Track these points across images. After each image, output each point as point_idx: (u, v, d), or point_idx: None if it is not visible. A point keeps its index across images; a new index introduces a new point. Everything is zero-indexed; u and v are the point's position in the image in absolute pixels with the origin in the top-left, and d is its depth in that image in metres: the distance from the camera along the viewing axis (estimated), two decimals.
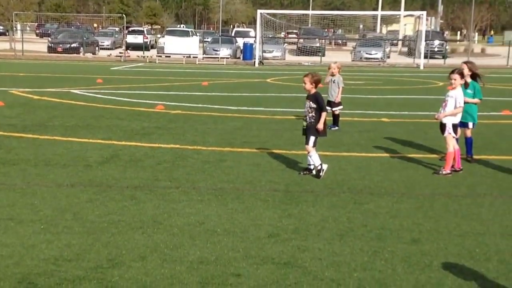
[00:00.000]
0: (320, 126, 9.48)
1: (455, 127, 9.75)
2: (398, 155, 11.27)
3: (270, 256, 6.08)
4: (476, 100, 10.53)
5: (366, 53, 46.93)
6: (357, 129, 14.40)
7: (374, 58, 46.26)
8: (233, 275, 5.57)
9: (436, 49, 48.52)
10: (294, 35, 63.99)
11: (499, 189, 8.81)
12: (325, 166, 9.48)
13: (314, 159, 9.46)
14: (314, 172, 9.53)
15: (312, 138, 9.51)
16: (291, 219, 7.36)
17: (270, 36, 50.48)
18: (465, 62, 10.80)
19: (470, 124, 10.56)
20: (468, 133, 10.60)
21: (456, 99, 9.59)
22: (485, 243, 6.50)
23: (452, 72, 9.78)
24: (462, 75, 9.80)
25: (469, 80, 10.51)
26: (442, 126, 9.76)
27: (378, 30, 71.56)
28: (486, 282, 5.48)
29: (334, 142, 12.38)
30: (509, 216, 7.49)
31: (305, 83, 9.50)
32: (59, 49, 47.47)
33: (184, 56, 41.86)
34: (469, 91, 10.39)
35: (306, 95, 9.66)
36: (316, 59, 44.65)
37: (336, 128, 14.29)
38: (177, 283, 5.39)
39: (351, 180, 9.36)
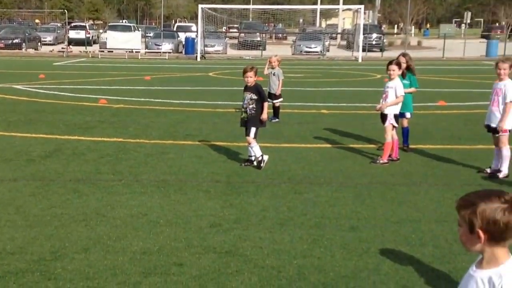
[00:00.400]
0: (265, 116, 9.63)
1: (396, 117, 10.02)
2: (337, 146, 11.50)
3: (212, 245, 6.15)
4: (412, 89, 10.85)
5: (306, 47, 47.40)
6: (297, 120, 14.60)
7: (313, 52, 46.77)
8: (175, 265, 5.62)
9: (374, 42, 49.40)
10: (236, 30, 64.04)
11: (434, 177, 9.13)
12: (266, 157, 9.60)
13: (255, 150, 9.56)
14: (255, 163, 9.64)
15: (253, 129, 9.61)
16: (232, 209, 7.44)
17: (212, 30, 50.38)
18: (402, 54, 11.12)
19: (407, 114, 10.87)
20: (405, 123, 10.91)
21: (396, 89, 9.86)
22: (421, 229, 6.73)
23: (390, 63, 10.05)
24: (399, 66, 10.08)
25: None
26: (384, 117, 10.01)
27: (317, 24, 72.34)
28: (422, 267, 5.69)
29: (274, 134, 12.53)
30: (443, 203, 7.77)
31: (250, 77, 9.59)
32: (1, 45, 46.23)
33: (126, 51, 41.50)
34: (405, 81, 10.69)
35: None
36: (257, 53, 44.82)
37: (277, 120, 14.46)
38: (120, 274, 5.41)
39: (291, 171, 9.51)
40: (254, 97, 9.57)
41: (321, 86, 23.19)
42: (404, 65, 10.53)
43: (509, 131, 8.97)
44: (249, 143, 9.63)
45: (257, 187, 8.54)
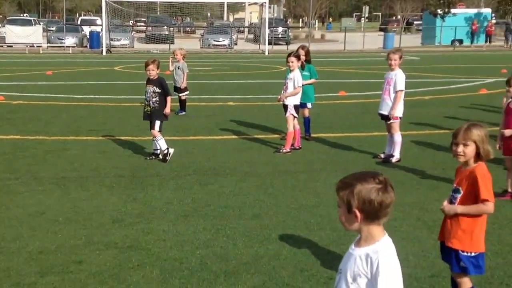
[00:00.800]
0: (168, 110, 9.60)
1: (296, 107, 10.25)
2: (242, 137, 11.64)
3: (113, 241, 6.10)
4: (312, 80, 11.13)
5: (214, 40, 47.44)
6: (204, 113, 14.64)
7: (221, 45, 46.88)
8: (74, 263, 5.53)
9: (280, 36, 50.12)
10: (143, 23, 63.09)
11: (333, 164, 9.42)
12: (171, 150, 9.58)
13: (161, 143, 9.52)
14: (160, 156, 9.60)
15: (157, 123, 9.56)
16: (136, 203, 7.39)
17: (118, 24, 49.38)
18: (301, 47, 11.37)
19: (309, 105, 11.13)
20: (306, 113, 11.18)
21: (294, 80, 10.08)
22: (319, 214, 6.95)
23: (289, 55, 10.26)
24: (298, 58, 10.32)
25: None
26: (285, 107, 10.22)
27: (225, 18, 72.47)
28: (319, 249, 5.89)
29: (181, 127, 12.52)
30: None
31: (152, 70, 9.52)
32: None
33: (27, 46, 39.98)
34: (305, 73, 10.95)
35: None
36: (165, 46, 44.38)
37: (183, 113, 14.44)
38: (15, 275, 5.26)
39: (197, 162, 9.55)
40: (157, 90, 9.52)
41: (228, 79, 23.32)
42: (303, 57, 10.79)
43: (400, 118, 9.39)
44: (154, 137, 9.58)
45: (161, 180, 8.52)
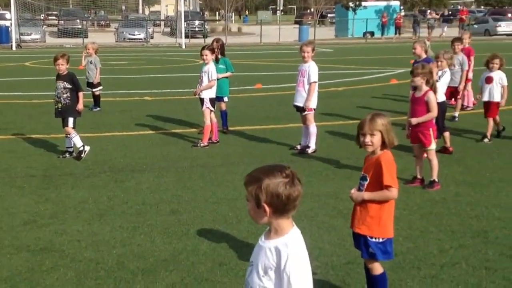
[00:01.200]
0: (81, 106, 9.36)
1: (212, 101, 10.23)
2: (160, 132, 11.52)
3: (25, 243, 5.90)
4: (228, 73, 11.13)
5: (129, 34, 46.62)
6: (120, 108, 14.38)
7: (137, 39, 46.16)
8: None
9: (196, 29, 49.82)
10: (54, 17, 61.13)
11: (250, 157, 9.47)
12: (87, 148, 9.36)
13: (76, 140, 9.28)
14: (74, 154, 9.36)
15: (71, 120, 9.31)
16: (48, 204, 7.18)
17: (28, 18, 47.63)
18: (216, 40, 11.36)
19: (225, 98, 11.13)
20: (223, 106, 11.18)
21: (208, 73, 10.05)
22: (237, 207, 6.97)
23: (203, 48, 10.24)
24: (212, 51, 10.29)
25: (220, 56, 11.06)
26: (202, 101, 10.17)
27: (140, 11, 71.41)
28: (238, 243, 5.91)
29: (95, 123, 12.25)
30: None
31: (62, 65, 9.25)
32: None
33: None
34: (221, 66, 10.94)
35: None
36: (78, 41, 43.17)
37: (98, 109, 14.13)
38: None
39: (113, 159, 9.37)
40: (68, 86, 9.27)
41: (145, 73, 22.98)
42: (217, 51, 10.78)
43: (314, 109, 9.55)
44: (69, 134, 9.32)
45: (75, 179, 8.31)
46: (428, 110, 7.49)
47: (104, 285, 5.03)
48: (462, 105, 12.87)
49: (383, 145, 4.36)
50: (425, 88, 7.49)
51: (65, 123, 9.34)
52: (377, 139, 4.33)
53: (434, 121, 7.72)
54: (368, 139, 4.34)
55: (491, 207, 6.86)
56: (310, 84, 9.34)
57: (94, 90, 14.20)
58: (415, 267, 5.26)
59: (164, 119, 12.79)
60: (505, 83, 9.94)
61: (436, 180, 7.61)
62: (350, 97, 15.89)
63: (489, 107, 10.07)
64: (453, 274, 5.10)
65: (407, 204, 6.96)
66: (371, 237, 4.35)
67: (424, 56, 10.68)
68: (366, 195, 4.35)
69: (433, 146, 7.63)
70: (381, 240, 4.35)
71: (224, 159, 9.37)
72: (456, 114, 12.18)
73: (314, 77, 9.32)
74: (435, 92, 7.58)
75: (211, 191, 7.66)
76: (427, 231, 6.13)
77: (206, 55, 10.07)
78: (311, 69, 9.31)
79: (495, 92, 9.94)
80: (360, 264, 4.94)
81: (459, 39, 12.28)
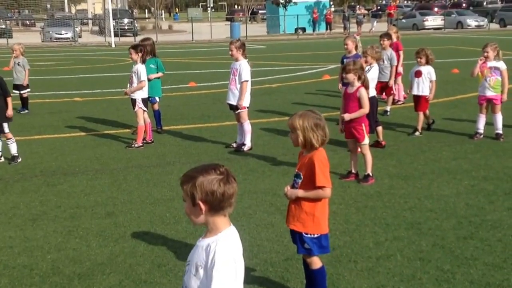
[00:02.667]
0: (10, 112, 9.10)
1: (145, 101, 10.10)
2: (92, 133, 11.28)
3: None
4: (159, 74, 11.00)
5: (56, 33, 45.47)
6: (49, 110, 14.01)
7: (64, 38, 45.06)
8: None
9: (126, 27, 49.08)
10: None
11: (186, 156, 9.41)
12: (20, 160, 9.25)
13: (13, 147, 9.16)
14: (2, 159, 9.11)
15: (5, 125, 9.13)
16: None
17: None
18: (145, 39, 11.23)
19: (156, 98, 11.00)
20: (156, 106, 11.05)
21: (138, 74, 9.92)
22: (174, 207, 6.91)
23: (132, 47, 10.12)
24: (136, 49, 10.07)
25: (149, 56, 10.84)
26: (133, 101, 10.03)
27: (66, 10, 69.75)
28: (176, 243, 5.85)
29: (24, 126, 11.91)
30: None
31: None
32: None
33: None
34: (151, 66, 10.81)
35: None
36: (2, 41, 41.77)
37: (26, 111, 13.73)
38: None
39: (44, 163, 9.13)
40: None
41: (74, 73, 22.44)
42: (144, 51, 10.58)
43: (247, 107, 9.57)
44: (8, 139, 9.14)
45: (5, 184, 8.06)
46: (360, 106, 7.63)
47: None
48: (393, 99, 13.20)
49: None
50: (357, 84, 7.62)
51: (1, 130, 9.11)
52: (295, 137, 4.37)
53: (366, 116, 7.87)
54: (291, 135, 4.42)
55: (424, 198, 7.06)
56: (241, 83, 9.34)
57: (22, 92, 13.80)
58: (352, 261, 5.35)
59: (95, 120, 12.54)
60: (433, 77, 10.23)
61: (371, 174, 7.77)
62: (284, 93, 16.03)
63: (418, 101, 10.35)
64: (388, 266, 5.22)
65: (343, 199, 7.08)
66: (306, 233, 4.39)
67: (354, 52, 10.87)
68: (300, 193, 4.38)
69: (366, 141, 7.78)
70: (316, 235, 4.40)
71: (159, 159, 9.27)
72: (388, 108, 12.48)
73: (245, 75, 9.31)
74: (366, 88, 7.72)
75: (147, 192, 7.57)
76: (362, 224, 6.26)
77: (130, 54, 10.01)
78: (242, 68, 9.31)
79: (424, 86, 10.23)
80: (299, 259, 4.99)
81: (387, 35, 12.54)
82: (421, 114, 10.39)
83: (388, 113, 12.36)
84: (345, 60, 11.20)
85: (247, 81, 9.33)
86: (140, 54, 10.01)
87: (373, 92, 9.17)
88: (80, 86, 18.37)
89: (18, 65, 13.81)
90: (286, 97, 15.33)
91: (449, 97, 14.44)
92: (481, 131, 10.05)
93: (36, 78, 18.47)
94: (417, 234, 5.96)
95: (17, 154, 9.18)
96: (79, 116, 13.05)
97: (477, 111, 10.13)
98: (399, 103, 13.53)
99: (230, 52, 9.38)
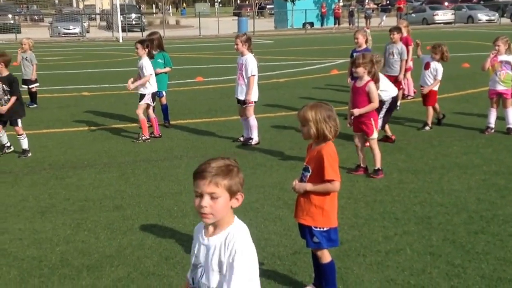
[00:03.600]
0: (5, 109, 9.09)
1: (153, 95, 10.09)
2: (100, 127, 11.30)
3: None
4: (167, 69, 10.95)
5: (64, 29, 45.53)
6: (57, 105, 14.02)
7: (72, 33, 45.12)
8: None
9: (133, 22, 49.12)
10: None
11: (194, 150, 9.40)
12: (29, 154, 9.29)
13: (24, 142, 9.24)
14: (12, 148, 9.27)
15: (19, 121, 9.22)
16: None
17: None
18: (151, 33, 11.19)
19: (163, 92, 10.99)
20: (163, 100, 11.05)
21: (143, 69, 9.87)
22: (182, 201, 6.91)
23: (138, 42, 10.07)
24: (143, 44, 10.02)
25: (156, 51, 10.80)
26: (142, 96, 10.01)
27: (74, 5, 69.89)
28: (183, 236, 5.84)
29: (33, 120, 11.91)
30: None
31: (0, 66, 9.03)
32: None
33: None
34: (159, 60, 10.78)
35: None
36: (11, 36, 41.91)
37: (35, 105, 13.76)
38: None
39: (53, 156, 9.15)
40: (7, 88, 9.04)
41: (82, 68, 22.47)
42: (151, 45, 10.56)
43: (255, 102, 9.52)
44: (20, 134, 9.22)
45: (15, 177, 8.09)
46: (369, 101, 7.58)
47: (48, 283, 4.90)
48: (403, 94, 13.15)
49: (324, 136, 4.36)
50: (366, 78, 7.57)
51: (15, 124, 9.21)
52: (307, 130, 4.34)
53: (376, 111, 7.82)
54: (302, 128, 4.38)
55: (434, 193, 7.02)
56: (248, 78, 9.28)
57: (30, 86, 13.84)
58: (361, 255, 5.33)
59: (103, 114, 12.55)
60: (439, 76, 10.12)
61: (380, 168, 7.74)
62: (292, 88, 15.98)
63: (426, 96, 10.30)
64: (398, 260, 5.19)
65: (352, 193, 7.05)
66: (316, 227, 4.37)
67: (364, 46, 10.82)
68: (309, 186, 4.34)
69: (375, 135, 7.74)
70: (325, 229, 4.37)
71: (167, 153, 9.27)
72: (398, 103, 12.40)
73: (252, 70, 9.24)
74: (376, 82, 7.67)
75: (155, 186, 7.57)
76: (371, 218, 6.23)
77: (136, 48, 9.98)
78: (248, 62, 9.23)
79: (429, 80, 10.17)
80: (307, 253, 4.97)
81: (397, 28, 12.44)
82: (430, 109, 10.33)
83: (398, 108, 12.28)
84: (354, 54, 11.16)
85: (254, 75, 9.28)
86: (146, 50, 9.99)
87: (395, 92, 9.10)
88: (88, 80, 18.39)
89: (26, 60, 13.85)
90: (294, 91, 15.29)
91: (460, 92, 14.37)
92: (492, 125, 10.00)
93: (44, 73, 18.51)
94: (427, 228, 5.92)
95: (28, 149, 9.23)
96: (87, 110, 13.07)
97: (488, 105, 10.07)
98: (409, 97, 13.46)
99: (235, 46, 9.35)
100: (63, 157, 9.09)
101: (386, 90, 8.95)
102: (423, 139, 9.78)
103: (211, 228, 2.70)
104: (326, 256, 4.47)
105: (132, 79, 10.12)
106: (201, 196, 2.63)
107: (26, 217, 6.50)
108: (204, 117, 12.12)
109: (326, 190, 4.32)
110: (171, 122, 11.27)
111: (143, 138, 9.93)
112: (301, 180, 4.43)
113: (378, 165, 7.73)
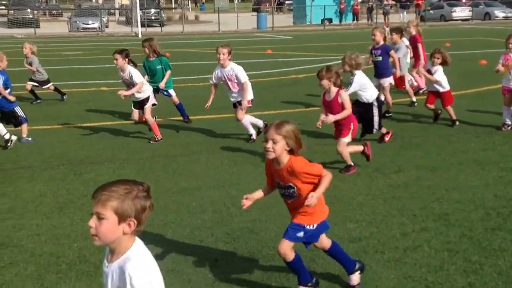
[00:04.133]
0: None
1: (154, 92, 10.09)
2: (118, 122, 11.35)
3: None
4: (167, 74, 10.68)
5: (83, 23, 45.83)
6: (76, 100, 14.11)
7: (91, 28, 45.38)
8: None
9: (153, 17, 49.29)
10: (3, 7, 59.69)
11: (211, 145, 9.41)
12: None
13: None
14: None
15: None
16: (5, 198, 7.01)
17: None
18: (145, 40, 11.03)
19: (171, 92, 10.97)
20: (175, 99, 11.05)
21: (132, 77, 9.55)
22: (201, 196, 6.91)
23: (116, 52, 9.70)
24: (122, 54, 9.67)
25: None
26: (142, 103, 9.79)
27: (93, 0, 70.22)
28: (202, 232, 5.85)
29: (51, 115, 12.01)
30: (220, 170, 8.05)
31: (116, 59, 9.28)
32: None
33: None
34: (158, 67, 10.63)
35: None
36: (30, 31, 42.25)
37: (39, 101, 13.79)
38: None
39: (71, 152, 9.20)
40: None
41: (100, 63, 22.55)
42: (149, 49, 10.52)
43: (252, 100, 9.41)
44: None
45: (33, 172, 8.13)
46: (343, 109, 7.41)
47: (66, 279, 4.93)
48: (418, 88, 13.09)
49: (291, 151, 4.29)
50: (334, 90, 7.37)
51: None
52: (280, 146, 4.24)
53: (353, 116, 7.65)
54: (269, 145, 4.24)
55: (451, 190, 6.95)
56: (243, 84, 9.17)
57: (44, 87, 13.88)
58: (379, 252, 5.29)
59: (122, 110, 12.57)
60: (436, 77, 10.03)
61: (352, 164, 7.63)
62: (311, 84, 15.88)
63: (441, 98, 10.20)
64: (415, 257, 5.15)
65: (370, 189, 7.00)
66: (308, 225, 4.38)
67: (382, 43, 10.73)
68: (318, 193, 4.27)
69: (347, 139, 7.52)
70: (315, 226, 4.40)
71: (184, 149, 9.28)
72: (414, 99, 12.31)
73: (243, 77, 9.15)
74: (341, 87, 7.44)
75: (174, 181, 7.58)
76: (389, 215, 6.18)
77: (116, 59, 9.45)
78: (237, 71, 9.15)
79: (436, 85, 10.09)
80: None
81: (396, 29, 12.22)
82: (449, 108, 10.22)
83: (415, 104, 12.20)
84: (373, 52, 11.06)
85: (246, 81, 9.17)
86: (127, 59, 9.55)
87: (375, 93, 8.91)
88: (107, 75, 18.45)
89: (30, 65, 13.67)
90: (312, 88, 15.19)
91: (477, 89, 14.22)
92: (509, 122, 9.89)
93: (63, 68, 18.65)
94: (445, 225, 5.87)
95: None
96: (105, 105, 13.12)
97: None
98: (421, 92, 13.27)
99: (219, 56, 9.18)
100: (82, 153, 9.13)
101: (366, 90, 8.80)
102: (440, 136, 9.68)
103: (110, 254, 2.69)
104: (325, 241, 4.57)
105: (123, 91, 9.64)
106: (92, 215, 2.61)
107: (44, 212, 6.54)
108: (222, 113, 12.10)
109: (328, 182, 4.32)
110: (190, 118, 11.27)
111: (158, 138, 9.79)
112: (289, 198, 4.41)
113: (349, 162, 7.62)
